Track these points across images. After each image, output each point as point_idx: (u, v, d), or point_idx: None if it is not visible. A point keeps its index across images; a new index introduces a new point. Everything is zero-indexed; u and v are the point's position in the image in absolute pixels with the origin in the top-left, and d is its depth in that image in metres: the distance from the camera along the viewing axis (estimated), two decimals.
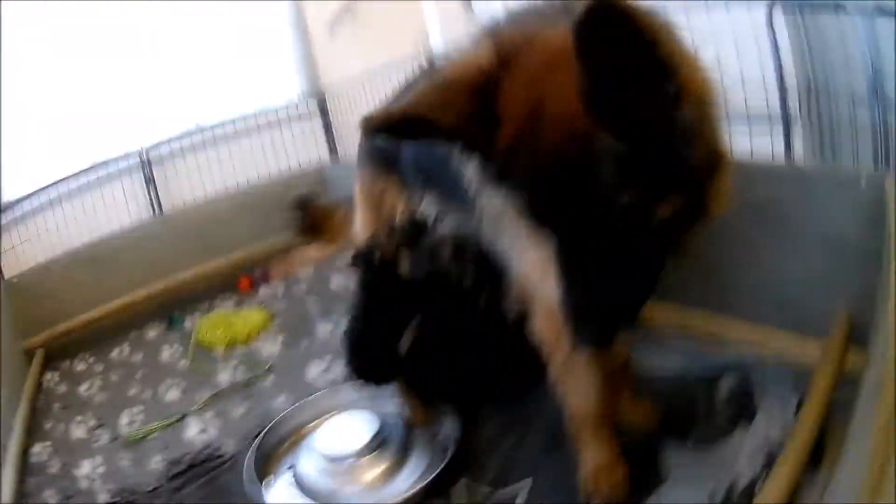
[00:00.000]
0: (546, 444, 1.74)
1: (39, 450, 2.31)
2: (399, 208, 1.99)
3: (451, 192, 1.57)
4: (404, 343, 1.83)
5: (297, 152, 3.96)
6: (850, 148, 2.06)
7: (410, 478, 1.77)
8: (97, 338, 3.12)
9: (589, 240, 0.95)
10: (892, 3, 1.82)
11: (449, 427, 1.85)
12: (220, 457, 2.07)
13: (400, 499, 1.67)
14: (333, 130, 4.08)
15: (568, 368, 1.48)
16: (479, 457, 1.77)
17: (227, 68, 3.84)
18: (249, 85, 3.95)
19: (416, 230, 1.83)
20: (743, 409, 1.66)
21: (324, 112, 4.07)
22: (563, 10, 1.00)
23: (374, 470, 1.80)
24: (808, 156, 2.11)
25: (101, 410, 2.54)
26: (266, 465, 1.91)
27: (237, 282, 3.48)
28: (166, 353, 2.94)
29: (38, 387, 2.78)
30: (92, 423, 2.46)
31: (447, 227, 1.82)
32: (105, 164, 3.53)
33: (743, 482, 1.44)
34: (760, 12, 2.09)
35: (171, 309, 3.28)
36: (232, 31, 3.82)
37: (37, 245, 3.27)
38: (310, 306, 3.13)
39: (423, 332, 1.80)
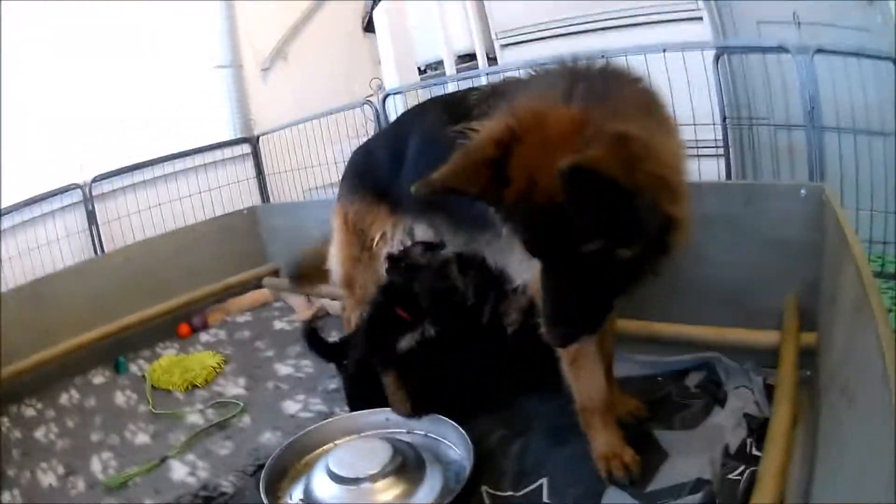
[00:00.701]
0: (551, 443, 1.88)
1: (8, 498, 2.21)
2: (389, 235, 2.18)
3: (459, 220, 1.91)
4: (406, 343, 2.00)
5: (231, 192, 4.02)
6: (787, 167, 2.48)
7: (429, 496, 1.77)
8: (43, 382, 3.01)
9: (563, 270, 1.32)
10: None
11: (458, 444, 1.93)
12: (223, 494, 2.03)
13: None
14: (264, 173, 4.15)
15: (577, 364, 1.69)
16: (493, 465, 1.84)
17: (166, 107, 3.90)
18: (187, 125, 4.00)
19: (428, 249, 2.05)
20: (714, 395, 1.93)
21: (256, 154, 4.13)
22: (570, 74, 1.41)
23: (390, 492, 1.79)
24: (748, 176, 2.49)
25: (67, 457, 2.44)
26: (274, 496, 1.88)
27: (177, 328, 3.46)
28: (120, 398, 2.86)
29: None
30: (60, 470, 2.35)
31: (449, 249, 2.04)
32: (47, 196, 3.47)
33: (734, 446, 1.68)
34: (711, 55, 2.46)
35: (115, 353, 3.20)
36: (171, 69, 3.85)
37: None
38: (260, 349, 3.14)
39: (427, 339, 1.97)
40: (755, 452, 1.62)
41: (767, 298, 1.96)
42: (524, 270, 1.75)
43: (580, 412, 1.74)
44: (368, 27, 4.96)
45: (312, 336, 2.47)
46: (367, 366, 2.09)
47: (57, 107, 3.54)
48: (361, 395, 2.17)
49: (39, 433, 2.66)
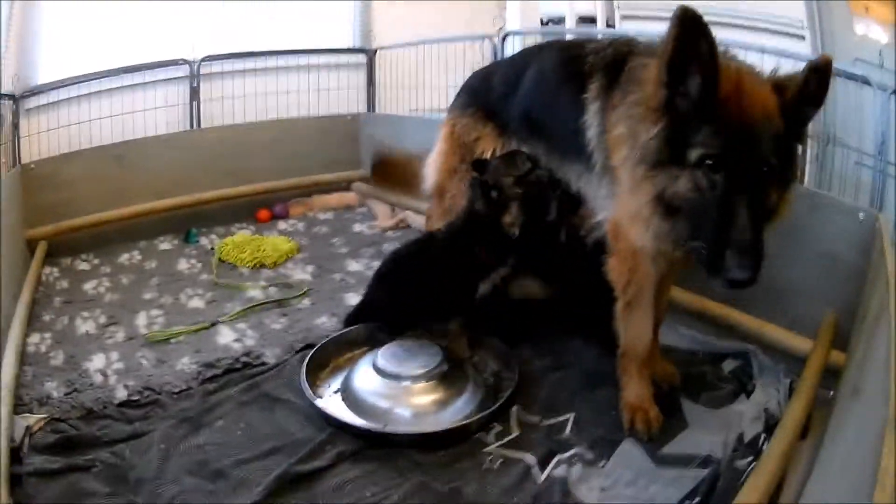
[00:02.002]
0: (584, 384, 1.95)
1: (38, 340, 2.19)
2: (491, 152, 2.22)
3: (558, 149, 2.00)
4: (485, 288, 2.04)
5: (339, 97, 3.98)
6: (852, 190, 2.59)
7: (466, 408, 1.81)
8: (103, 241, 3.03)
9: (752, 191, 1.38)
10: None
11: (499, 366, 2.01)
12: (263, 363, 2.00)
13: (469, 420, 1.74)
14: (375, 84, 4.14)
15: (632, 306, 1.74)
16: (528, 390, 1.90)
17: (288, 3, 3.87)
18: (306, 24, 3.98)
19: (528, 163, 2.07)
20: (744, 385, 1.94)
21: (370, 66, 4.12)
22: None
23: (428, 396, 1.81)
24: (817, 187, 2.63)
25: (112, 309, 2.43)
26: (312, 381, 1.86)
27: (256, 212, 3.47)
28: (183, 265, 2.86)
29: (38, 279, 2.65)
30: (102, 320, 2.34)
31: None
32: (153, 67, 3.43)
33: (749, 436, 1.69)
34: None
35: (189, 225, 3.21)
36: None
37: (63, 135, 3.14)
38: (335, 245, 3.12)
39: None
40: (765, 448, 1.60)
41: (810, 308, 1.97)
42: (608, 206, 1.79)
43: (621, 356, 1.80)
44: None
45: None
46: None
47: None
48: None
49: (88, 286, 2.67)
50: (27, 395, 1.84)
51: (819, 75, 1.40)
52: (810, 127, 2.36)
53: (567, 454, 1.66)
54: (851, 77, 2.79)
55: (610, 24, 4.48)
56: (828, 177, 2.75)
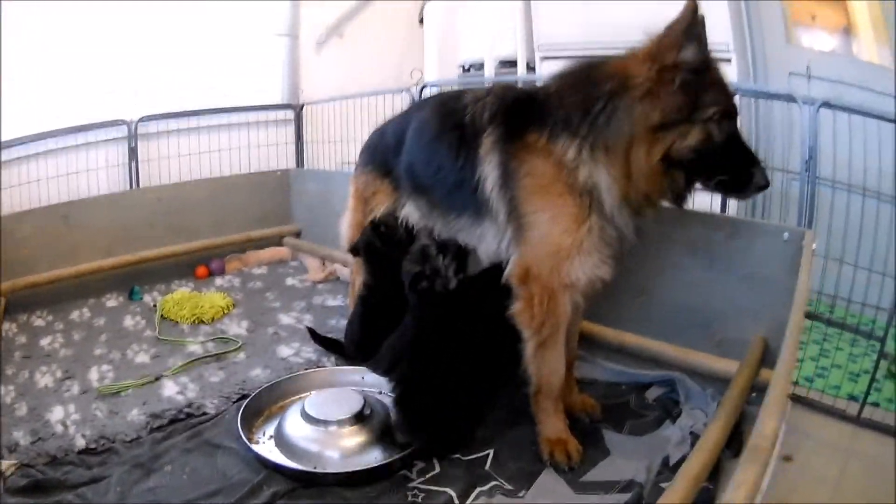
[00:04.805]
0: (503, 421, 2.06)
1: (3, 392, 2.35)
2: (386, 207, 2.39)
3: (439, 203, 2.10)
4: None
5: (268, 153, 4.21)
6: (779, 210, 2.63)
7: (390, 451, 1.94)
8: (56, 298, 3.18)
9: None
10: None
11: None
12: (204, 413, 2.19)
13: (392, 459, 1.87)
14: (303, 139, 4.34)
15: (544, 348, 1.85)
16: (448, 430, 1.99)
17: (219, 63, 4.08)
18: (237, 83, 4.19)
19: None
20: (669, 411, 2.06)
21: (298, 121, 4.32)
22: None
23: (355, 438, 1.96)
24: (742, 212, 2.65)
25: (67, 364, 2.59)
26: (248, 428, 2.04)
27: (195, 269, 3.65)
28: (129, 321, 3.03)
29: None
30: (59, 374, 2.50)
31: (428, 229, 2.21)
32: (92, 127, 3.61)
33: (674, 459, 1.78)
34: None
35: (130, 282, 3.37)
36: (230, 29, 4.06)
37: (15, 194, 3.32)
38: (268, 299, 3.32)
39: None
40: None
41: (738, 331, 2.06)
42: (513, 253, 1.90)
43: (534, 395, 1.91)
44: (423, 20, 5.08)
45: (314, 333, 2.71)
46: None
47: (113, 47, 3.70)
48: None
49: (44, 341, 2.82)
50: None
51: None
52: None
53: (487, 486, 1.78)
54: (772, 97, 2.87)
55: (532, 66, 4.61)
56: (760, 198, 2.79)
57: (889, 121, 2.20)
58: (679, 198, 1.77)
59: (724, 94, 1.67)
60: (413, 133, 2.21)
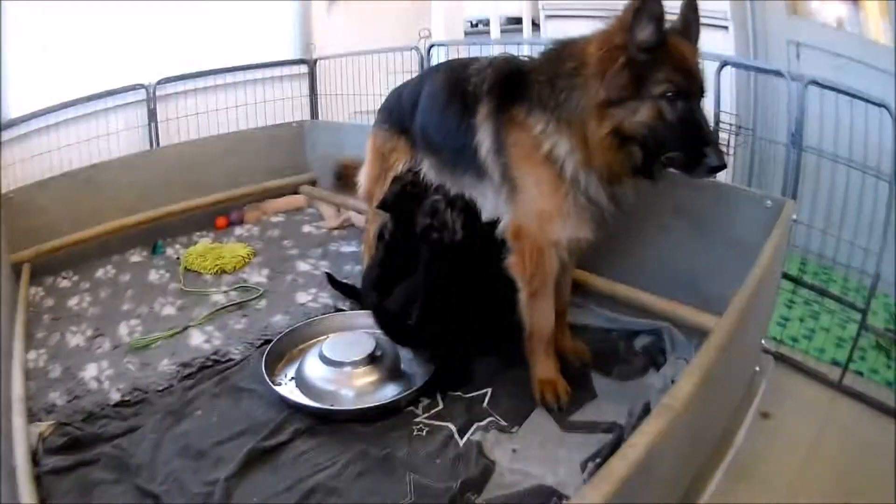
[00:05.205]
0: (501, 363, 2.21)
1: (35, 356, 2.43)
2: (403, 163, 2.51)
3: (450, 161, 2.24)
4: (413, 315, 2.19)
5: (283, 107, 4.27)
6: (763, 178, 2.73)
7: (399, 386, 2.13)
8: (80, 258, 3.26)
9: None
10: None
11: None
12: (230, 360, 2.32)
13: (400, 397, 2.04)
14: (317, 93, 4.41)
15: (536, 297, 2.00)
16: (453, 370, 2.17)
17: (232, 23, 4.15)
18: (251, 41, 4.26)
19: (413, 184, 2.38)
20: (655, 359, 2.19)
21: (312, 76, 4.38)
22: None
23: (367, 378, 2.12)
24: (729, 178, 2.73)
25: (97, 322, 2.69)
26: (271, 371, 2.18)
27: (215, 220, 3.74)
28: (153, 276, 3.13)
29: (27, 299, 2.89)
30: (89, 332, 2.60)
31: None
32: (112, 93, 3.68)
33: (655, 405, 1.75)
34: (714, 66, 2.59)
35: (153, 238, 3.47)
36: None
37: (37, 163, 3.41)
38: (286, 247, 3.42)
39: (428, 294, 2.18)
40: None
41: (721, 288, 2.01)
42: (508, 211, 2.04)
43: (528, 339, 2.05)
44: None
45: (332, 278, 2.85)
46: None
47: (129, 13, 3.76)
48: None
49: (72, 301, 2.90)
50: (35, 406, 2.09)
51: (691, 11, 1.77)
52: (731, 119, 2.62)
53: (484, 422, 1.93)
54: (760, 71, 2.98)
55: (536, 24, 4.67)
56: (747, 167, 2.89)
57: (876, 104, 2.24)
58: (643, 171, 1.81)
59: (680, 72, 1.69)
60: (426, 97, 2.35)
